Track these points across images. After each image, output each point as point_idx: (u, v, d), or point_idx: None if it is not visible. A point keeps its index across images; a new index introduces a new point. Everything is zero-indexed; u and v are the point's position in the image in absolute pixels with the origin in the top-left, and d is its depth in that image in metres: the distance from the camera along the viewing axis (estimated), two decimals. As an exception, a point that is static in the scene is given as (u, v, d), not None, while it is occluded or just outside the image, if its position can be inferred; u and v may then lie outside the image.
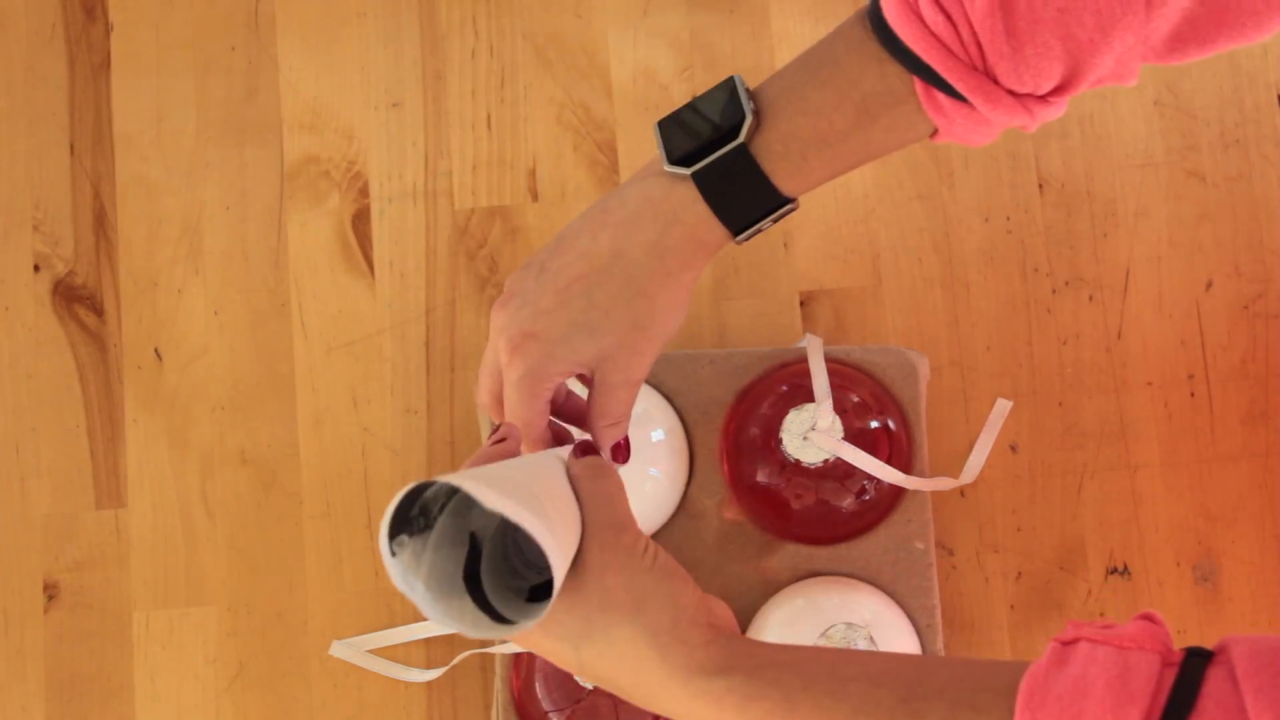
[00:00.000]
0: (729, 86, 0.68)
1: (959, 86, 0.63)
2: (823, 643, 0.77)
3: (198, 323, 0.91)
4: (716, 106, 0.68)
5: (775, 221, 0.69)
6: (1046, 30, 0.61)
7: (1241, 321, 0.91)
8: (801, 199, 0.92)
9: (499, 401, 0.71)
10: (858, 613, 0.80)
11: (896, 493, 0.85)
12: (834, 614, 0.79)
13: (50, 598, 0.88)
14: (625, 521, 0.62)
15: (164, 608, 0.88)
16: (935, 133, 0.67)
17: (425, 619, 0.87)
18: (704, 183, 0.68)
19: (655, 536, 0.86)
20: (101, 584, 0.88)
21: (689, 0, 0.95)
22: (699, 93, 0.93)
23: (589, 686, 0.76)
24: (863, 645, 0.76)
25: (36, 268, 0.91)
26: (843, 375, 0.84)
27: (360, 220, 0.92)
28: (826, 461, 0.79)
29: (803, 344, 0.85)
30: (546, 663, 0.80)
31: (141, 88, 0.93)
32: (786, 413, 0.79)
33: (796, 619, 0.81)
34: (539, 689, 0.81)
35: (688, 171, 0.68)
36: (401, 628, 0.86)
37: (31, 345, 0.91)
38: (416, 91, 0.94)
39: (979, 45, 0.62)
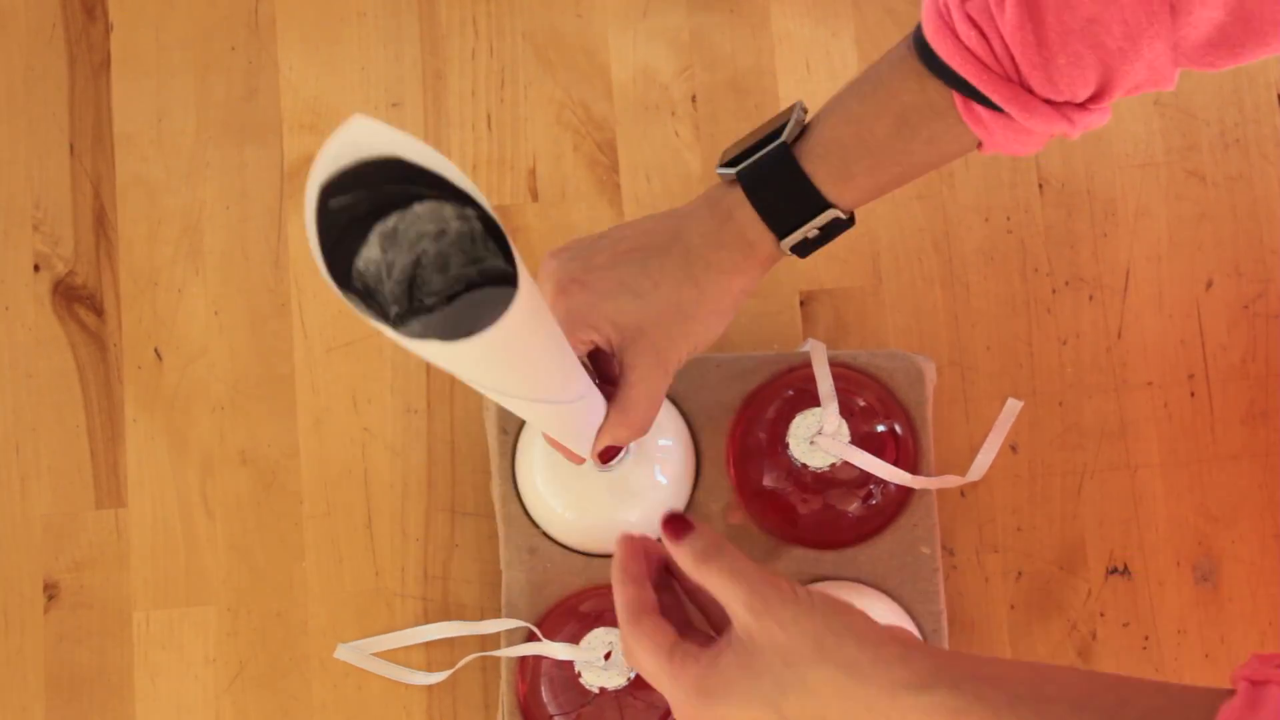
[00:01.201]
0: (789, 109, 0.71)
1: (994, 98, 0.65)
2: None
3: (198, 323, 0.91)
4: (771, 122, 0.71)
5: (826, 236, 0.71)
6: (1076, 40, 0.62)
7: (1241, 321, 0.91)
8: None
9: None
10: None
11: (903, 497, 0.85)
12: None
13: (50, 598, 0.88)
14: (769, 578, 0.62)
15: (164, 608, 0.88)
16: (980, 145, 0.68)
17: (429, 622, 0.87)
18: (747, 181, 0.70)
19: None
20: (101, 584, 0.88)
21: (689, 0, 0.95)
22: (699, 93, 0.94)
23: (595, 690, 0.76)
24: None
25: (36, 268, 0.91)
26: (848, 379, 0.84)
27: (360, 220, 0.92)
28: (833, 466, 0.79)
29: (805, 349, 0.85)
30: (552, 666, 0.80)
31: (141, 88, 0.93)
32: (793, 417, 0.79)
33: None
34: (544, 693, 0.80)
35: (733, 172, 0.70)
36: (405, 631, 0.86)
37: (31, 345, 0.91)
38: (416, 91, 0.94)
39: (1011, 57, 0.64)
